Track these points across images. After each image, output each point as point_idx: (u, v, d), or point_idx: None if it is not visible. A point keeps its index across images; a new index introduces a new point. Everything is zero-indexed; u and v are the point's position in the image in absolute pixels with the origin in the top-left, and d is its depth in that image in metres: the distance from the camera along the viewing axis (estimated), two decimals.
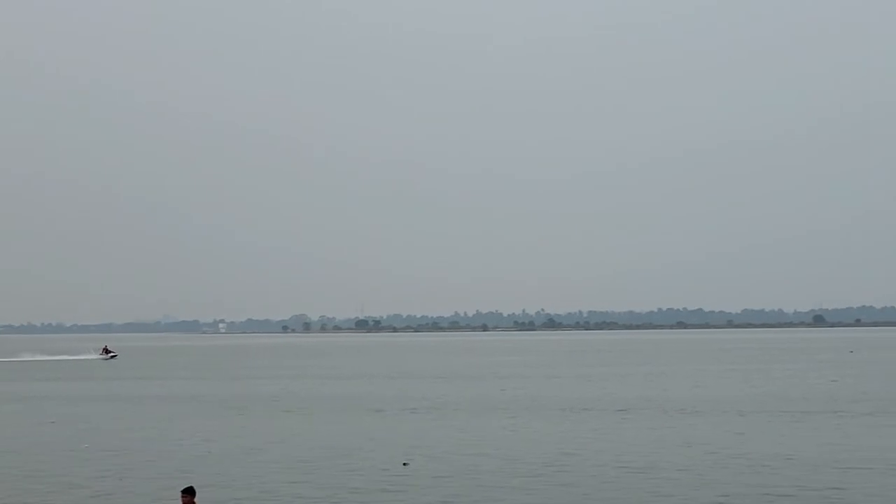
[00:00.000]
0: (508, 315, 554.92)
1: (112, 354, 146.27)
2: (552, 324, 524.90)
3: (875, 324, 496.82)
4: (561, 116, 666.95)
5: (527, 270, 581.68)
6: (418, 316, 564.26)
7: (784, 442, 35.64)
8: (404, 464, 31.76)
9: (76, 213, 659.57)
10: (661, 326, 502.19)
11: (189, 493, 18.38)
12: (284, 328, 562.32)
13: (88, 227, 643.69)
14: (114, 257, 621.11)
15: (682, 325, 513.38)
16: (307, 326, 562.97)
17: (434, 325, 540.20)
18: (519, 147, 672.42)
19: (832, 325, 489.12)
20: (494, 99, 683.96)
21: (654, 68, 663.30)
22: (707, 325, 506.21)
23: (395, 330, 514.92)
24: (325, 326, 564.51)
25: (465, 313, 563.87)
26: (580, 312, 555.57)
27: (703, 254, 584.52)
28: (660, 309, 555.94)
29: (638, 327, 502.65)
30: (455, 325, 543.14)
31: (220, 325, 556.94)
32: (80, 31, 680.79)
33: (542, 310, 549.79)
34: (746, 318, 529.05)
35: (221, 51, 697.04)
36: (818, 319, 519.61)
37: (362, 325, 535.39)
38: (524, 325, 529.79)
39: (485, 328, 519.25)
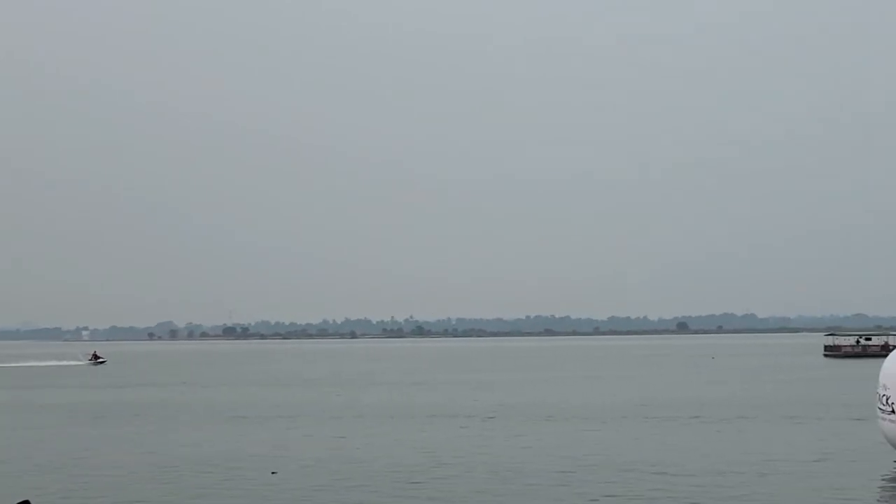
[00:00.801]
0: (377, 322, 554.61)
1: (101, 360, 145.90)
2: (421, 331, 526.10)
3: (736, 330, 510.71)
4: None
5: (396, 277, 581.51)
6: (287, 323, 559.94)
7: (650, 448, 35.80)
8: (272, 472, 31.08)
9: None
10: (530, 334, 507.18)
11: None
12: (150, 335, 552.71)
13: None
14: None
15: (549, 332, 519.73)
16: (174, 334, 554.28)
17: (303, 333, 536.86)
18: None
19: (695, 332, 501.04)
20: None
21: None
22: (574, 333, 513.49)
23: (263, 337, 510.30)
24: (193, 334, 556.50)
25: (334, 320, 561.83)
26: (449, 319, 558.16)
27: (570, 263, 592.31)
28: (528, 316, 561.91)
29: (506, 334, 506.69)
30: (324, 332, 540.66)
31: (84, 333, 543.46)
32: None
33: (411, 317, 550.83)
34: (612, 325, 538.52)
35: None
36: (682, 326, 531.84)
37: (230, 333, 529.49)
38: (393, 332, 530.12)
39: (353, 335, 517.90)
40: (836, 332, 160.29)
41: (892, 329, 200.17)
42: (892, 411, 29.55)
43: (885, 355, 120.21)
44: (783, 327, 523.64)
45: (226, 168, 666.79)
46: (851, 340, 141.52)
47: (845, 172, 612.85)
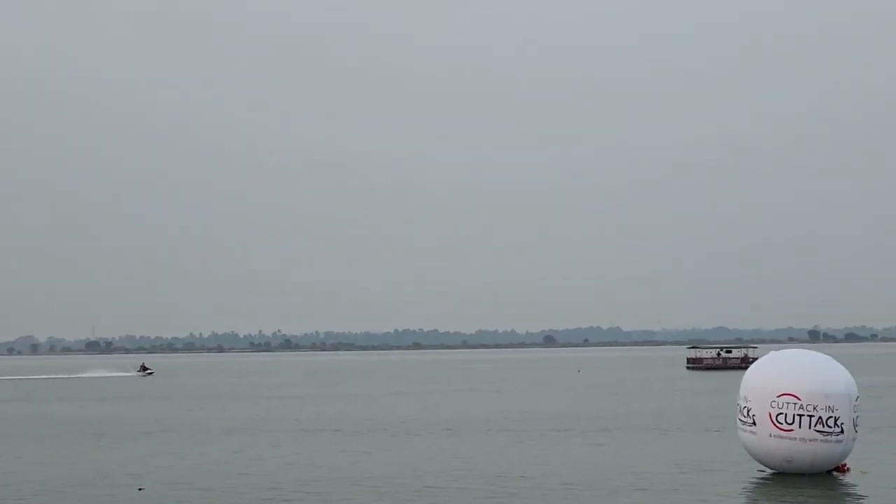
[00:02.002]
0: (245, 336, 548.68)
1: (149, 371, 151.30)
2: (289, 345, 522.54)
3: (602, 343, 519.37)
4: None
5: (264, 290, 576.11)
6: (152, 337, 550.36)
7: (518, 460, 35.67)
8: (139, 489, 30.15)
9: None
10: (398, 347, 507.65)
11: None
12: (10, 350, 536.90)
13: None
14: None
15: (417, 346, 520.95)
16: (35, 348, 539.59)
17: (168, 347, 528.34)
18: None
19: (562, 346, 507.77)
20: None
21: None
22: (443, 346, 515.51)
23: (127, 351, 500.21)
24: (55, 348, 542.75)
25: (201, 334, 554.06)
26: (317, 333, 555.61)
27: (436, 276, 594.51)
28: (396, 330, 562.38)
29: (375, 348, 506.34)
30: (190, 346, 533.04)
31: None
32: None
33: (279, 331, 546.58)
34: (480, 338, 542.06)
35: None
36: (549, 340, 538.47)
37: (93, 347, 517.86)
38: (261, 346, 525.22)
39: (221, 349, 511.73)
40: (699, 345, 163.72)
41: (751, 342, 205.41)
42: (753, 423, 30.00)
43: (745, 367, 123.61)
44: (648, 340, 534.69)
45: (93, 173, 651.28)
46: (713, 353, 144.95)
47: (727, 191, 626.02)
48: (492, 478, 31.28)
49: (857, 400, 29.76)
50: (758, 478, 30.47)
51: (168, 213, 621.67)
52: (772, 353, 31.46)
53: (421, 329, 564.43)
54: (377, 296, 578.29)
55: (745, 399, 30.35)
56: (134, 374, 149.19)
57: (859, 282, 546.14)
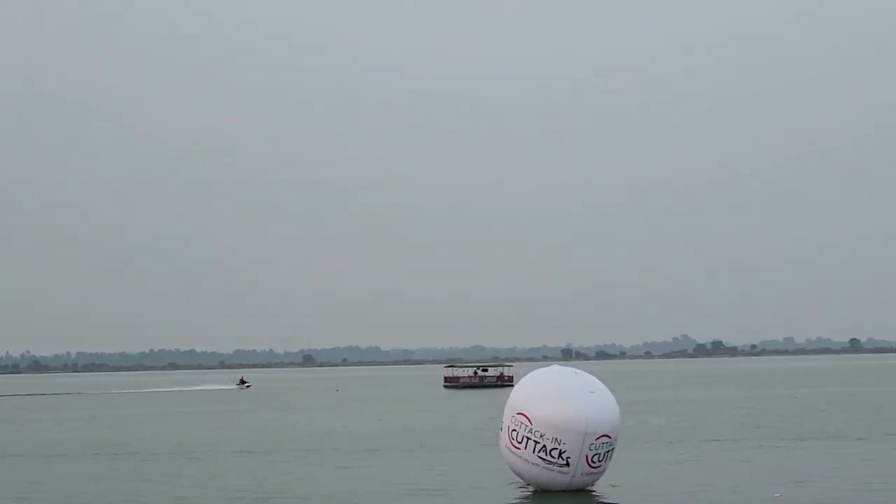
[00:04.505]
0: None
1: (247, 385, 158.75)
2: (38, 366, 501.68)
3: (360, 363, 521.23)
4: None
5: (11, 309, 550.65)
6: None
7: (257, 481, 34.95)
8: None
9: None
10: (154, 368, 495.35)
11: None
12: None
13: None
14: None
15: (174, 365, 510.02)
16: None
17: None
18: None
19: (321, 365, 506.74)
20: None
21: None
22: (199, 366, 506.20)
23: None
24: None
25: None
26: (68, 353, 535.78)
27: (181, 295, 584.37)
28: (151, 350, 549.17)
29: (129, 369, 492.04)
30: None
31: None
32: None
33: (28, 352, 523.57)
34: (238, 358, 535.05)
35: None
36: (308, 359, 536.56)
37: None
38: (7, 367, 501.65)
39: None
40: (455, 364, 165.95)
41: (507, 360, 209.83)
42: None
43: (501, 385, 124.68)
44: (406, 359, 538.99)
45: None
46: (470, 372, 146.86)
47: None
48: (229, 500, 30.57)
49: (603, 437, 29.06)
50: (518, 496, 30.61)
51: None
52: (553, 368, 31.18)
53: (177, 349, 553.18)
54: (131, 315, 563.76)
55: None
56: (233, 387, 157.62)
57: (610, 305, 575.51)
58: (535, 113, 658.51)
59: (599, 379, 30.63)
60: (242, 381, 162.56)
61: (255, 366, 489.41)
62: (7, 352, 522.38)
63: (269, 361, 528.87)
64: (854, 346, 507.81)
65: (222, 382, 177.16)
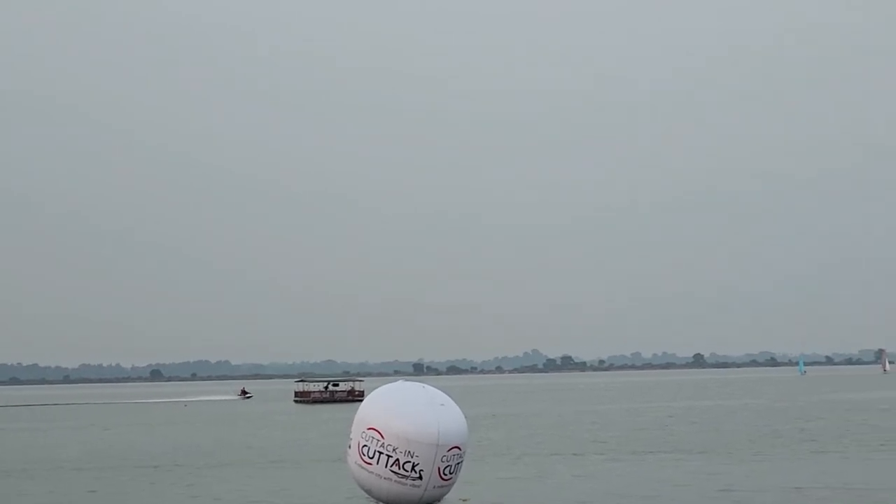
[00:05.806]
0: None
1: (248, 395, 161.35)
2: None
3: (210, 378, 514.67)
4: None
5: None
6: None
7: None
8: None
9: None
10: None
11: None
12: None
13: None
14: None
15: (16, 380, 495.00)
16: None
17: None
18: None
19: (169, 380, 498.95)
20: None
21: None
22: (44, 381, 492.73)
23: None
24: None
25: None
26: None
27: (24, 307, 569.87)
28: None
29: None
30: None
31: None
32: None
33: None
34: (83, 373, 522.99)
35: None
36: (156, 374, 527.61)
37: None
38: None
39: None
40: (306, 378, 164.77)
41: (358, 375, 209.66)
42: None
43: (352, 400, 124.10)
44: (257, 374, 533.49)
45: None
46: (321, 386, 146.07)
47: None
48: None
49: (454, 449, 29.17)
50: None
51: None
52: (399, 384, 31.07)
53: (20, 363, 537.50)
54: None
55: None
56: (235, 397, 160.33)
57: (462, 320, 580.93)
58: None
59: (449, 394, 30.70)
60: (244, 392, 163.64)
61: (101, 380, 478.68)
62: None
63: (116, 376, 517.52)
64: (697, 361, 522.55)
65: (224, 393, 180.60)
